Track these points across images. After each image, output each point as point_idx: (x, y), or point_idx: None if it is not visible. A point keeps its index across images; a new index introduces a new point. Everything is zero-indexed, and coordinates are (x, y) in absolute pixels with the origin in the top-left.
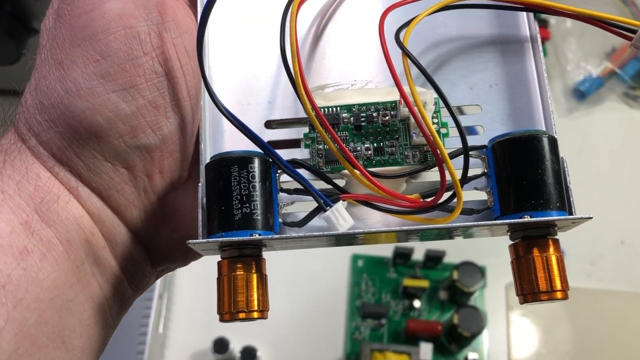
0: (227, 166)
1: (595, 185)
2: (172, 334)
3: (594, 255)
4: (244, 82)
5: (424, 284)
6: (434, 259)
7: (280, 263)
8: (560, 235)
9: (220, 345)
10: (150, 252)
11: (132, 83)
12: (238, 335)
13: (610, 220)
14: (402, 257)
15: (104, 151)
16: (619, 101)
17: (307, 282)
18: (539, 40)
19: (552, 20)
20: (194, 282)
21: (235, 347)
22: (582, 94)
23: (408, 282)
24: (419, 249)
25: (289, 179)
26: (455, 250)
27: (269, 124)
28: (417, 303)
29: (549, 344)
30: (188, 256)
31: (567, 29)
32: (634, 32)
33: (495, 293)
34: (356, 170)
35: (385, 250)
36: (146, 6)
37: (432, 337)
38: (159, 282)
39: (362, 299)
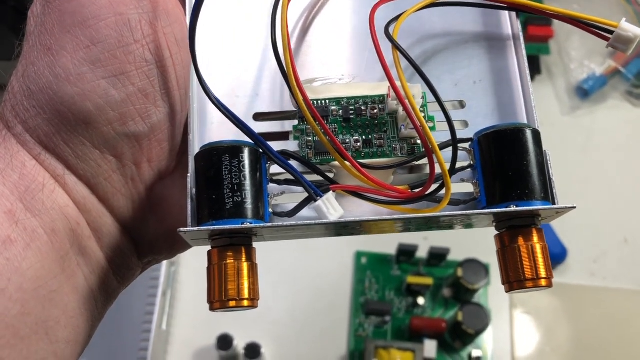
0: (219, 155)
1: (598, 184)
2: (175, 330)
3: (597, 253)
4: (231, 75)
5: (428, 281)
6: (438, 257)
7: (283, 260)
8: (563, 234)
9: (224, 341)
10: (137, 243)
11: (123, 70)
12: (242, 331)
13: (614, 218)
14: (406, 254)
15: (93, 138)
16: (623, 100)
17: (311, 279)
18: (522, 38)
19: None
20: (198, 279)
21: (239, 343)
22: (585, 92)
23: (412, 279)
24: (423, 246)
25: (279, 170)
26: (459, 248)
27: (257, 117)
28: (421, 300)
29: (552, 341)
30: (175, 248)
31: (571, 27)
32: (612, 32)
33: (500, 290)
34: (346, 162)
35: (389, 247)
36: None
37: (436, 335)
38: (162, 278)
39: (365, 296)
